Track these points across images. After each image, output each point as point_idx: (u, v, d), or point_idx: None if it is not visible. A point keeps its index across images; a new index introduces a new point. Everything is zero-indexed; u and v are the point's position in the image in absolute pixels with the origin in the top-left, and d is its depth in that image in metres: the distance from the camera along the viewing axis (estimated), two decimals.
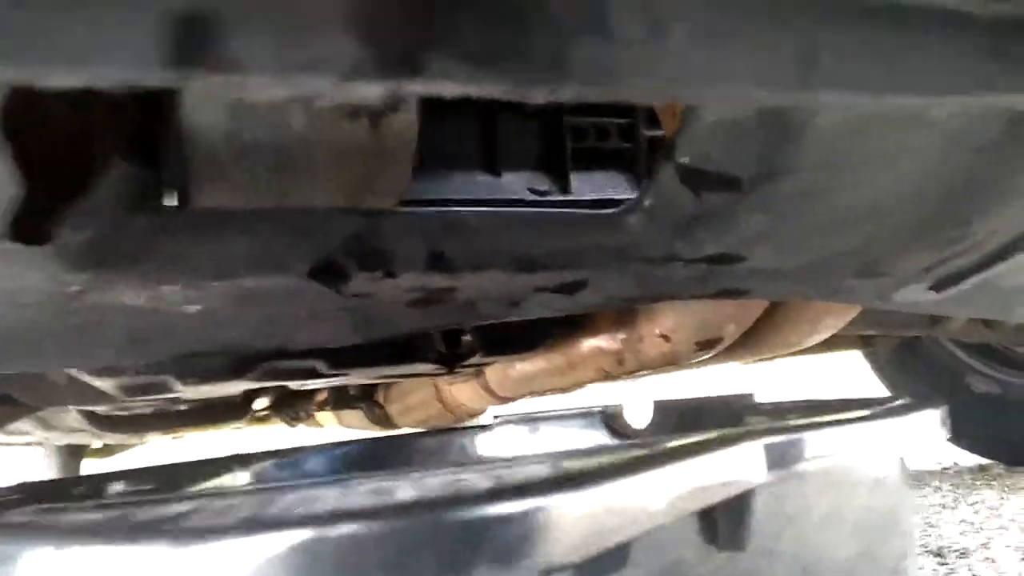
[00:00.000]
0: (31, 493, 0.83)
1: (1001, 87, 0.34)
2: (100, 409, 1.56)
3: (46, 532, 0.31)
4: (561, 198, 0.88)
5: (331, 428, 2.38)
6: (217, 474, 0.92)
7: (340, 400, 2.12)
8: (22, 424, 1.69)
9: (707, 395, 1.07)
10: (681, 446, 0.40)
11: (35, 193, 0.38)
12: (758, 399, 0.99)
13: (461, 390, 1.62)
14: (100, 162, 0.41)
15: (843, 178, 0.49)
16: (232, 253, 0.53)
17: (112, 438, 2.26)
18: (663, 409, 1.10)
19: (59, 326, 0.59)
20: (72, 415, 1.69)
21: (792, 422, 0.54)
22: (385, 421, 2.09)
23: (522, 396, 1.47)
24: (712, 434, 0.46)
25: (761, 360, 1.15)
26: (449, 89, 0.31)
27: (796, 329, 0.91)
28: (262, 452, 0.98)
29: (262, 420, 2.49)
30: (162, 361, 0.71)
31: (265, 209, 0.56)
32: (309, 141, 0.67)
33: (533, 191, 0.89)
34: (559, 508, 0.29)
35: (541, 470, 0.36)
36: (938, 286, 0.60)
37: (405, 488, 0.34)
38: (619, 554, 0.34)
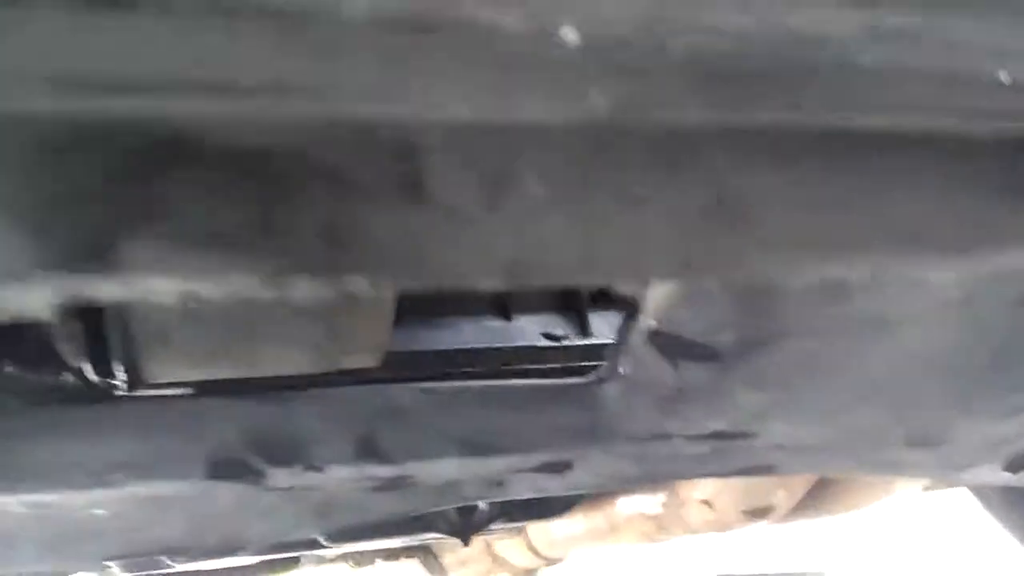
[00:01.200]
0: None
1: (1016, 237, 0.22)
2: None
3: None
4: (580, 343, 0.78)
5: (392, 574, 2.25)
6: None
7: (398, 549, 2.01)
8: None
9: (769, 573, 0.90)
10: None
11: None
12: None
13: (509, 547, 1.48)
14: None
15: (843, 345, 0.37)
16: (107, 459, 0.44)
17: None
18: None
19: None
20: None
21: None
22: (440, 571, 1.95)
23: (567, 554, 1.32)
24: None
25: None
26: (158, 287, 0.22)
27: (863, 490, 0.74)
28: None
29: (327, 562, 2.40)
30: (105, 560, 0.63)
31: (150, 404, 0.48)
32: (268, 300, 0.60)
33: (548, 336, 0.80)
34: None
35: None
36: (1013, 466, 0.45)
37: None
38: None
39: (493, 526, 0.93)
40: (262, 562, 1.98)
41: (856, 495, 0.77)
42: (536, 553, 1.31)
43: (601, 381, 0.48)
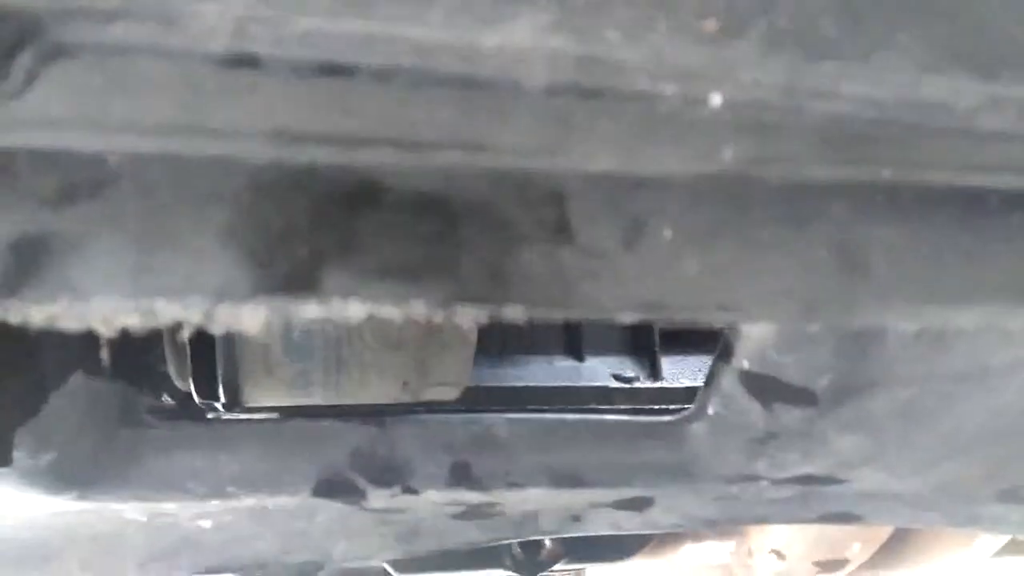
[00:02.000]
0: None
1: None
2: None
3: None
4: (649, 385, 0.79)
5: None
6: None
7: None
8: None
9: None
10: None
11: None
12: None
13: None
14: (50, 384, 0.37)
15: (940, 395, 0.38)
16: (227, 472, 0.47)
17: None
18: None
19: (74, 539, 0.55)
20: None
21: None
22: None
23: None
24: None
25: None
26: (353, 310, 0.25)
27: (945, 544, 0.73)
28: None
29: None
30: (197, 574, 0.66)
31: (266, 423, 0.51)
32: (360, 333, 0.63)
33: (618, 378, 0.81)
34: None
35: None
36: None
37: None
38: None
39: (557, 566, 0.93)
40: None
41: (933, 549, 0.76)
42: None
43: (690, 420, 0.50)
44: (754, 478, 0.51)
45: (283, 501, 0.50)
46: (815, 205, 0.27)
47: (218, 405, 0.59)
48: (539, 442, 0.51)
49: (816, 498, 0.53)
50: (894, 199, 0.27)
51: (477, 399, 0.67)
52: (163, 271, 0.23)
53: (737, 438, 0.48)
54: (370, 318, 0.73)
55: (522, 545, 0.92)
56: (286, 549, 0.62)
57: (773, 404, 0.43)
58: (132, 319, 0.23)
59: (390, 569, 0.94)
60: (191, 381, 0.53)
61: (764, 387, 0.43)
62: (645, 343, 0.80)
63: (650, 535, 0.97)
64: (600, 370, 0.79)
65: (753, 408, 0.45)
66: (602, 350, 0.80)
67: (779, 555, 0.78)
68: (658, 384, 0.77)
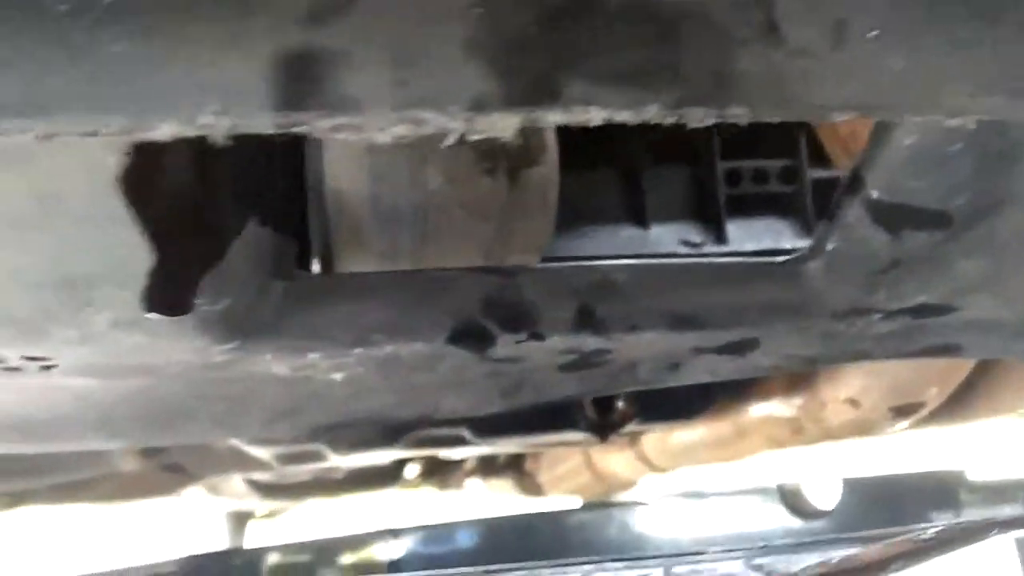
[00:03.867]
0: (191, 568, 0.83)
1: None
2: (261, 477, 1.61)
3: None
4: (716, 249, 0.80)
5: (480, 495, 2.34)
6: (369, 545, 0.89)
7: (489, 468, 2.09)
8: (192, 490, 1.78)
9: (907, 472, 0.93)
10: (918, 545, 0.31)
11: (167, 262, 0.37)
12: (971, 475, 0.84)
13: (614, 459, 1.53)
14: (232, 229, 0.39)
15: None
16: (371, 320, 0.50)
17: (273, 503, 2.35)
18: (854, 487, 0.96)
19: (208, 398, 0.59)
20: (237, 482, 1.77)
21: None
22: (534, 490, 2.03)
23: (681, 466, 1.36)
24: (948, 524, 0.36)
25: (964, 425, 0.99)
26: (593, 116, 0.26)
27: (1016, 390, 0.76)
28: (413, 527, 0.95)
29: (414, 486, 2.51)
30: (316, 430, 0.70)
31: (401, 273, 0.53)
32: (448, 201, 0.65)
33: (685, 243, 0.82)
34: None
35: (738, 567, 0.29)
36: None
37: None
38: None
39: (629, 426, 0.98)
40: (356, 476, 2.10)
41: (1004, 399, 0.79)
42: (647, 463, 1.36)
43: (807, 258, 0.52)
44: (866, 312, 0.53)
45: (418, 348, 0.53)
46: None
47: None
48: (658, 285, 0.53)
49: (920, 331, 0.55)
50: None
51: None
52: (419, 84, 0.25)
53: (857, 271, 0.49)
54: (456, 185, 0.74)
55: (596, 406, 0.97)
56: (401, 402, 0.66)
57: (901, 231, 0.45)
58: (403, 129, 0.25)
59: (469, 436, 0.99)
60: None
61: (893, 214, 0.45)
62: (710, 208, 0.80)
63: (716, 396, 1.01)
64: (666, 237, 0.80)
65: (878, 237, 0.46)
66: (667, 217, 0.80)
67: (854, 404, 0.82)
68: (724, 248, 0.79)
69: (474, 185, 0.65)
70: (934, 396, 0.76)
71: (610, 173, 0.80)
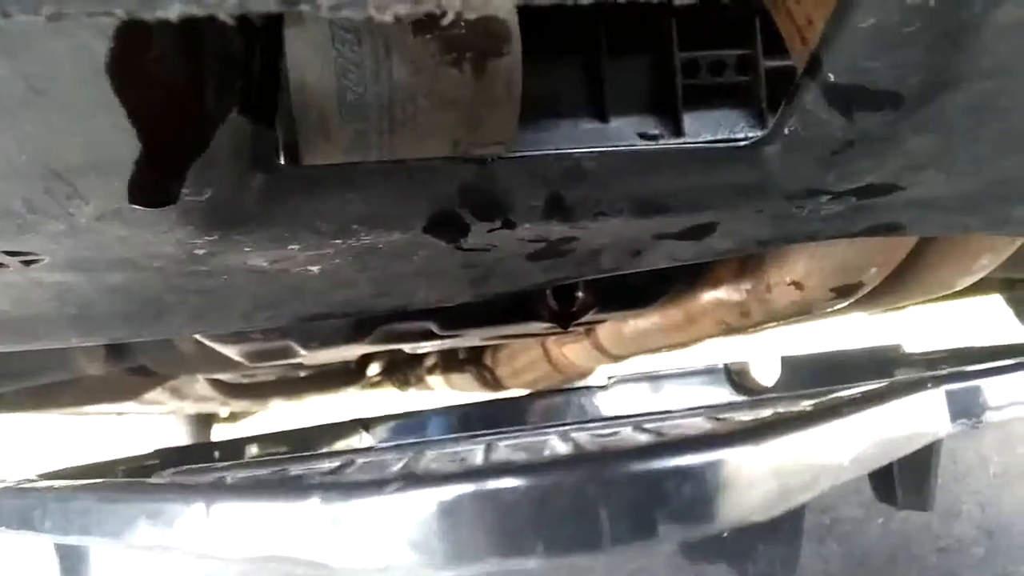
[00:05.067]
0: (170, 457, 0.86)
1: None
2: (226, 377, 1.63)
3: (197, 491, 0.30)
4: (673, 141, 0.82)
5: (441, 392, 2.41)
6: (342, 436, 0.93)
7: (449, 364, 2.15)
8: (156, 394, 1.79)
9: (843, 348, 0.99)
10: (858, 396, 0.35)
11: (153, 152, 0.37)
12: (907, 348, 0.91)
13: (571, 349, 1.59)
14: (216, 117, 0.39)
15: (1020, 87, 0.42)
16: (350, 210, 0.51)
17: (238, 405, 2.38)
18: (793, 364, 1.03)
19: (185, 291, 0.60)
20: (201, 384, 1.79)
21: (965, 370, 0.48)
22: (494, 383, 2.10)
23: (635, 354, 1.43)
24: (884, 383, 0.41)
25: (898, 307, 1.07)
26: None
27: (949, 269, 0.82)
28: (384, 416, 0.99)
29: (375, 385, 2.57)
30: (291, 323, 0.72)
31: (378, 164, 0.54)
32: (414, 92, 0.65)
33: (643, 135, 0.83)
34: (744, 462, 0.26)
35: (701, 423, 0.32)
36: None
37: (558, 443, 0.31)
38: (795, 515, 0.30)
39: (588, 315, 1.02)
40: (319, 376, 2.13)
41: (938, 278, 0.85)
42: (603, 352, 1.42)
43: (765, 142, 0.54)
44: (817, 193, 0.56)
45: (395, 238, 0.54)
46: None
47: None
48: (625, 172, 0.56)
49: (866, 210, 0.59)
50: None
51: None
52: None
53: (812, 153, 0.52)
54: (422, 77, 0.75)
55: (556, 298, 1.01)
56: (376, 293, 0.68)
57: (856, 112, 0.48)
58: (404, 8, 0.26)
59: (436, 329, 1.02)
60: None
61: (848, 96, 0.47)
62: (667, 100, 0.82)
63: (670, 285, 1.06)
64: (625, 130, 0.82)
65: (833, 120, 0.49)
66: (625, 109, 0.82)
67: (798, 286, 0.87)
68: (681, 140, 0.81)
69: (440, 76, 0.65)
70: (872, 276, 0.81)
71: (569, 65, 0.80)
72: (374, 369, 2.22)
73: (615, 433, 0.34)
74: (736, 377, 1.08)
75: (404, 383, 2.50)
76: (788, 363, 1.04)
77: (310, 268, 0.58)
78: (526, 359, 1.84)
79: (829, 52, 0.45)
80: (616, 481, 0.25)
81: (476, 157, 0.56)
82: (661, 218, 0.59)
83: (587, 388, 1.15)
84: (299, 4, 0.25)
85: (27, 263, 0.47)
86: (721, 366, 1.08)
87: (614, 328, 1.32)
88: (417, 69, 0.64)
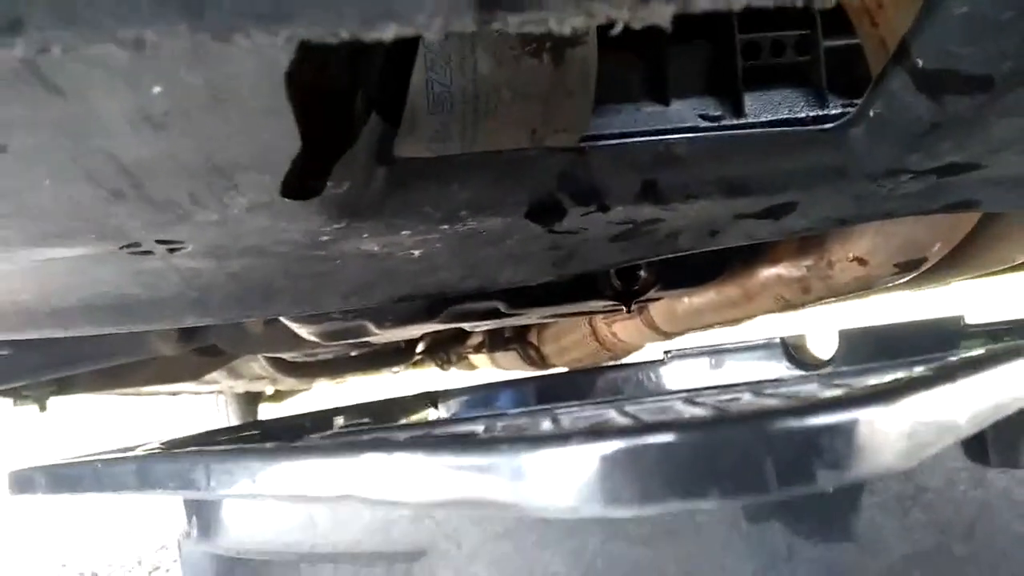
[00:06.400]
0: (265, 430, 0.91)
1: None
2: (287, 356, 1.68)
3: (373, 445, 0.34)
4: (734, 122, 0.84)
5: (485, 370, 2.45)
6: (417, 409, 0.97)
7: (495, 342, 2.19)
8: (215, 373, 1.85)
9: (902, 321, 1.01)
10: (969, 360, 0.38)
11: (308, 150, 0.41)
12: (970, 320, 0.93)
13: (621, 327, 1.62)
14: (362, 118, 0.43)
15: None
16: (457, 198, 0.55)
17: (287, 384, 2.44)
18: (850, 337, 1.06)
19: (299, 275, 0.64)
20: (258, 363, 1.84)
21: None
22: (540, 362, 2.13)
23: (687, 331, 1.45)
24: (975, 352, 0.44)
25: (958, 281, 1.08)
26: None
27: (1011, 244, 0.84)
28: (453, 390, 1.03)
29: (415, 364, 2.61)
30: (382, 304, 0.76)
31: (483, 154, 0.57)
32: (497, 84, 0.68)
33: (704, 117, 0.86)
34: (880, 419, 0.29)
35: (819, 388, 0.35)
36: None
37: (680, 407, 0.34)
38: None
39: (651, 292, 1.05)
40: (370, 355, 2.18)
41: (998, 253, 0.87)
42: (654, 329, 1.45)
43: (850, 124, 0.57)
44: (899, 172, 0.59)
45: (497, 223, 0.58)
46: None
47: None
48: (714, 155, 0.59)
49: (944, 188, 0.61)
50: None
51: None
52: None
53: (896, 135, 0.55)
54: (504, 68, 0.78)
55: (620, 277, 1.04)
56: (464, 275, 0.71)
57: (944, 96, 0.50)
58: (580, 21, 0.29)
59: (504, 308, 1.06)
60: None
61: (937, 80, 0.49)
62: (727, 81, 0.84)
63: (728, 263, 1.09)
64: (686, 112, 0.84)
65: (920, 103, 0.51)
66: (686, 92, 0.84)
67: (861, 262, 0.89)
68: (742, 120, 0.83)
69: (521, 66, 0.68)
70: (936, 252, 0.83)
71: (631, 49, 0.83)
72: (419, 348, 2.26)
73: (738, 398, 0.37)
74: (793, 351, 1.10)
75: (446, 362, 2.54)
76: (845, 336, 1.06)
77: (413, 252, 0.62)
78: (573, 337, 1.87)
79: (919, 38, 0.47)
80: (778, 436, 0.28)
81: (574, 146, 0.59)
82: (746, 199, 0.62)
83: (644, 364, 1.18)
84: (493, 22, 0.29)
85: (172, 250, 0.52)
86: (778, 340, 1.10)
87: (667, 305, 1.34)
88: (500, 61, 0.67)
